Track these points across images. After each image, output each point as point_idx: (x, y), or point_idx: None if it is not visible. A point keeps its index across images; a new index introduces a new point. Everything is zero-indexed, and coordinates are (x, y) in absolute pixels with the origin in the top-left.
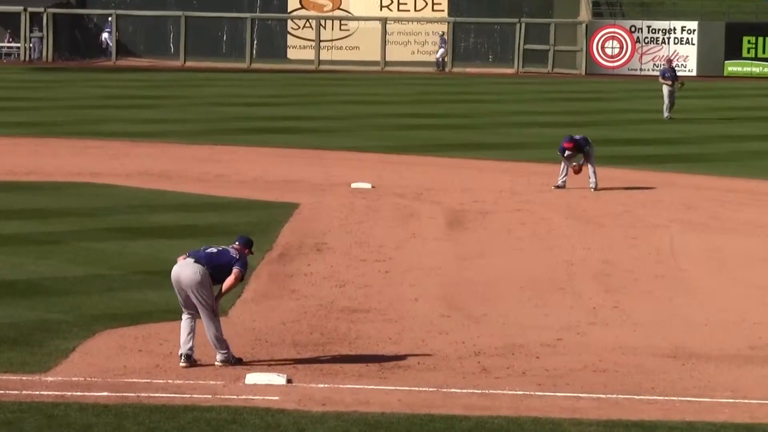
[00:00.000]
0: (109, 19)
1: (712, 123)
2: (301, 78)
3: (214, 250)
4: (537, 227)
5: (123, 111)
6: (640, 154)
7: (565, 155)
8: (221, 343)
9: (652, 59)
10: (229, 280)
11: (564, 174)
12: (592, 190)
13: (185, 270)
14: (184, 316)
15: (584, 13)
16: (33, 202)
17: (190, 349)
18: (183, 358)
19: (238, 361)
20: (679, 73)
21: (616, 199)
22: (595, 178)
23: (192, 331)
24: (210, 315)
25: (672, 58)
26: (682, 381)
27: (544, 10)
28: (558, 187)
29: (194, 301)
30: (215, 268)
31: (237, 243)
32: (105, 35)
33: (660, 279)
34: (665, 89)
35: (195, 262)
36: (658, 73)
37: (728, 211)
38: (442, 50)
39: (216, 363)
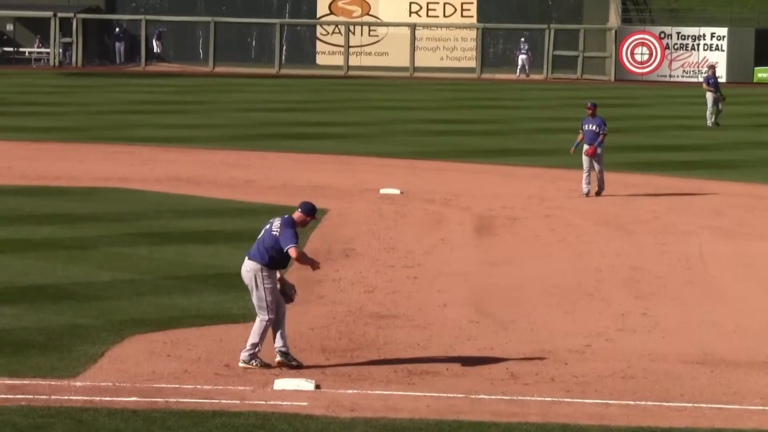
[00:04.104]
0: (162, 29)
1: (741, 129)
2: (330, 84)
3: (260, 233)
4: (566, 233)
5: (152, 116)
6: (669, 160)
7: (585, 126)
8: (254, 342)
9: (682, 65)
10: (295, 261)
11: (587, 181)
12: (595, 194)
13: (243, 267)
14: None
15: (613, 19)
16: (62, 207)
17: (284, 345)
18: (279, 354)
19: (266, 366)
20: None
21: (646, 205)
22: (603, 181)
23: (282, 328)
24: (262, 310)
25: (714, 65)
26: (711, 388)
27: (573, 16)
28: (586, 194)
29: (253, 296)
30: (271, 258)
31: (299, 210)
32: (154, 42)
33: (689, 285)
34: (709, 96)
35: (248, 258)
36: (699, 80)
37: (758, 218)
38: (524, 56)
39: (240, 362)
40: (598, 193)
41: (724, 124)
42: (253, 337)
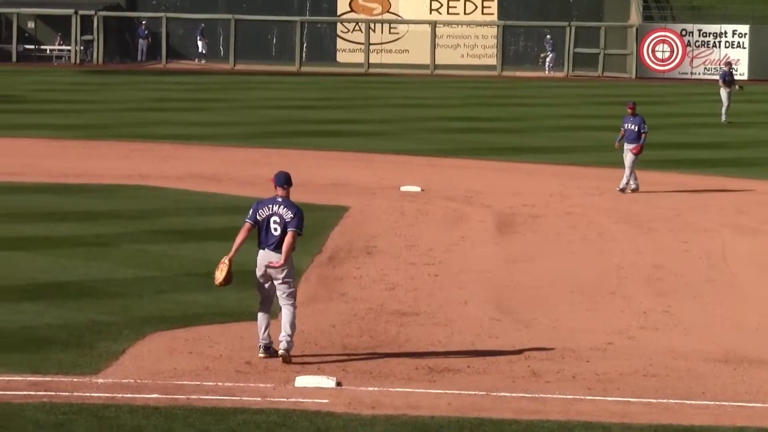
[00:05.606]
0: (202, 25)
1: (763, 127)
2: (351, 81)
3: (278, 230)
4: (587, 231)
5: (173, 114)
6: (691, 158)
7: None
8: (294, 329)
9: (703, 63)
10: (287, 243)
11: (629, 177)
12: (618, 190)
13: (273, 258)
14: (262, 311)
15: (634, 17)
16: (83, 204)
17: (270, 341)
18: (262, 348)
19: (289, 360)
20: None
21: (667, 203)
22: (629, 178)
23: (269, 323)
24: (292, 297)
25: (731, 61)
26: (734, 386)
27: (594, 13)
28: (621, 190)
29: (281, 286)
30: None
31: (282, 187)
32: (198, 41)
33: (711, 283)
34: (723, 92)
35: (277, 252)
36: (717, 77)
37: None
38: (551, 54)
39: (280, 351)
40: (622, 190)
41: (748, 122)
42: (292, 328)
